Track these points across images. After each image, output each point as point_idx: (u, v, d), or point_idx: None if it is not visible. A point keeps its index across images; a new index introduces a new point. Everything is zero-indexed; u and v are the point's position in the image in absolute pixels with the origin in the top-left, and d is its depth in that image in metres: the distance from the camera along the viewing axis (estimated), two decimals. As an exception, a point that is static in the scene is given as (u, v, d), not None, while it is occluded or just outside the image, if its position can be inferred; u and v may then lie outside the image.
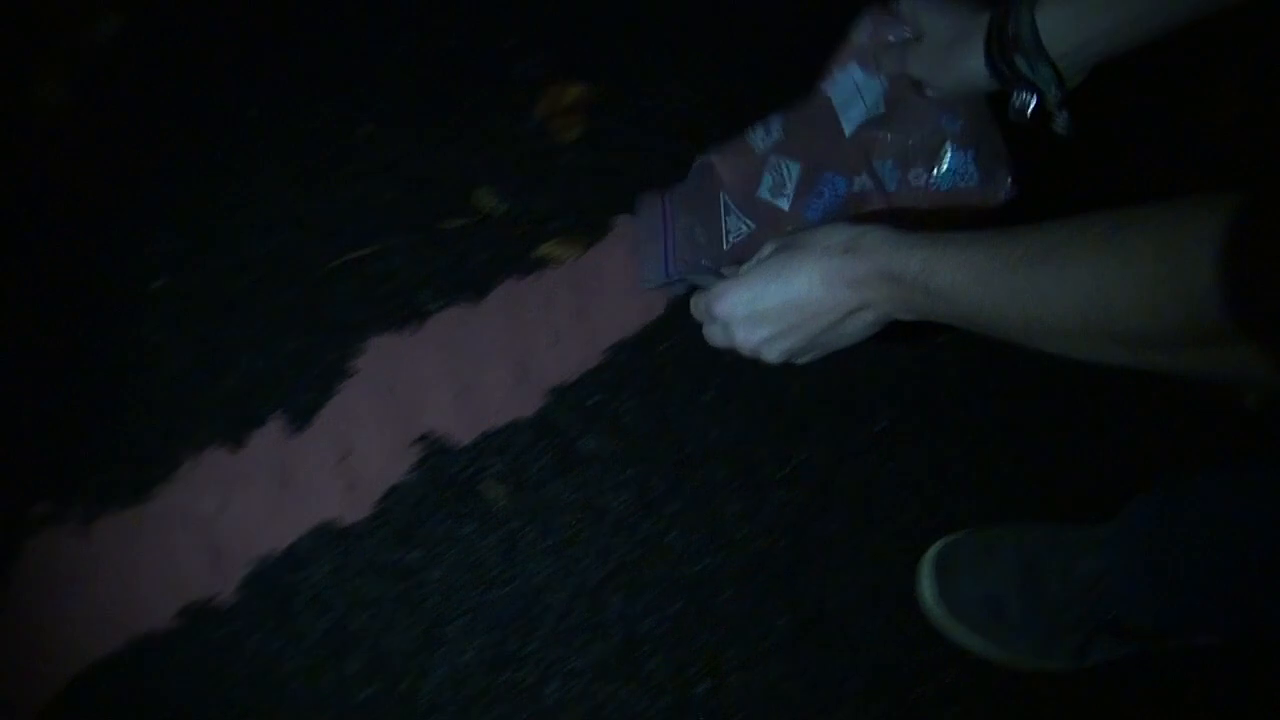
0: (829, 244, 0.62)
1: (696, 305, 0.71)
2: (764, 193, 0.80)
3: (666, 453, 0.98)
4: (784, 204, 0.80)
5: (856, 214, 0.76)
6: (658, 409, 0.99)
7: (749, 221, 0.81)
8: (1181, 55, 1.08)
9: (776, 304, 0.64)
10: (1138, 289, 0.45)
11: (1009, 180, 0.73)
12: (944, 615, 0.92)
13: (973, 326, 0.56)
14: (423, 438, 0.97)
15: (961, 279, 0.54)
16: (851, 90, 0.77)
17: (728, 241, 0.82)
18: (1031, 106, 0.66)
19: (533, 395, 0.99)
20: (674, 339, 1.01)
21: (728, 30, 1.10)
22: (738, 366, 1.00)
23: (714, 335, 0.71)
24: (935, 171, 0.74)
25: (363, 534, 0.95)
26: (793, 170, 0.79)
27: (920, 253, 0.57)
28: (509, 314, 1.00)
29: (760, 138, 0.83)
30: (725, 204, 0.83)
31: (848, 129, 0.77)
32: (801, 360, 0.69)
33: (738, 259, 0.77)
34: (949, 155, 0.73)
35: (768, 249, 0.68)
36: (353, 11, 1.09)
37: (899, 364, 1.01)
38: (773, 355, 0.68)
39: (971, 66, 0.67)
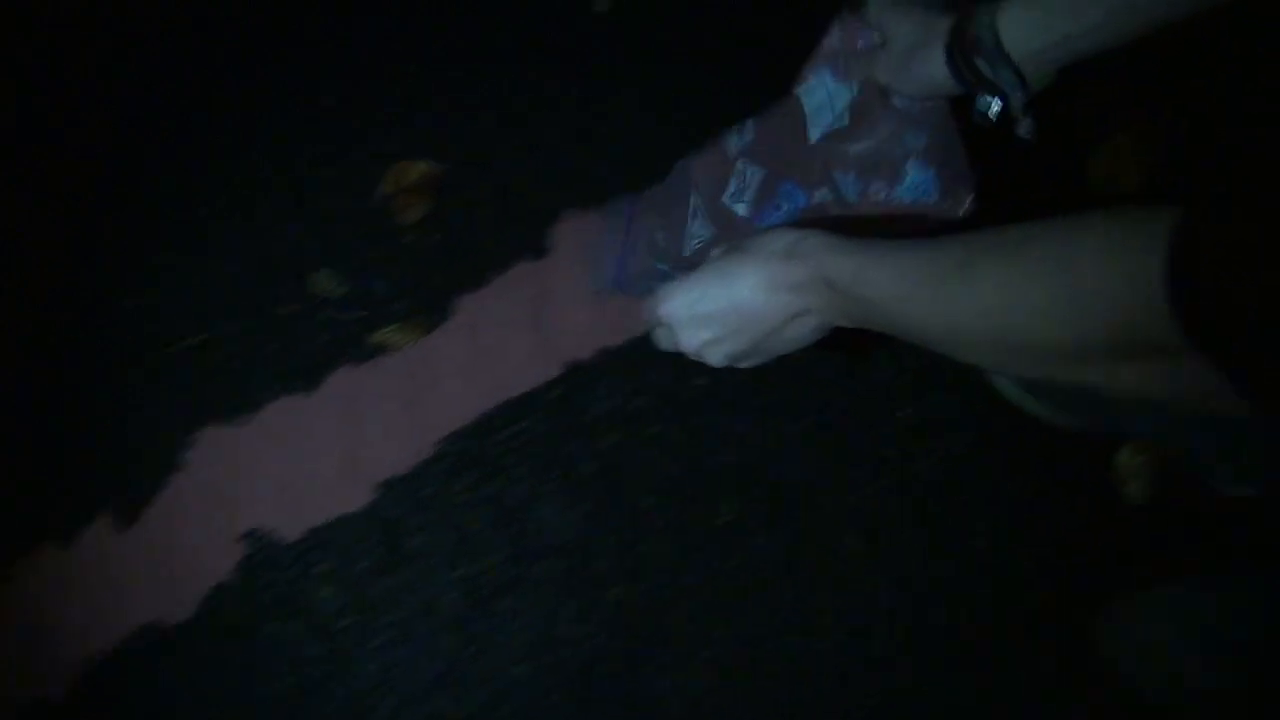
0: (771, 249, 0.63)
1: (646, 309, 0.71)
2: (726, 198, 0.80)
3: (501, 546, 0.95)
4: (742, 210, 0.79)
5: (806, 219, 0.75)
6: (493, 501, 0.96)
7: (711, 227, 0.81)
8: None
9: (718, 307, 0.65)
10: (1037, 304, 0.47)
11: (969, 198, 0.72)
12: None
13: (902, 335, 0.57)
14: (250, 534, 0.95)
15: (890, 287, 0.56)
16: (823, 96, 0.76)
17: (689, 247, 0.82)
18: (995, 110, 0.66)
19: (363, 488, 0.96)
20: (513, 427, 0.97)
21: (581, 103, 1.07)
22: (577, 456, 0.97)
23: (660, 339, 0.72)
24: (896, 186, 0.73)
25: (188, 634, 0.93)
26: (755, 176, 0.79)
27: (854, 259, 0.58)
28: (342, 403, 0.98)
29: (734, 141, 0.82)
30: (694, 208, 0.83)
31: (813, 136, 0.76)
32: (745, 364, 0.69)
33: (695, 265, 0.75)
34: (911, 171, 0.73)
35: (716, 253, 0.69)
36: (196, 87, 1.07)
37: (748, 456, 0.98)
38: (716, 358, 0.68)
39: (934, 70, 0.67)
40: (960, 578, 0.96)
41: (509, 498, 0.96)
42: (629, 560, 0.95)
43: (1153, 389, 0.48)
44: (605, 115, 1.07)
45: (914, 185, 0.73)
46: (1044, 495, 0.98)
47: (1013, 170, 0.75)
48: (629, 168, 1.05)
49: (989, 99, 0.66)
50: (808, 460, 0.98)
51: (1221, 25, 0.56)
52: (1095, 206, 0.47)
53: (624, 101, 1.07)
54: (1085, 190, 1.03)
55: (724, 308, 0.65)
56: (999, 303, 0.49)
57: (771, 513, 0.97)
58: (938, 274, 0.53)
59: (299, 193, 1.03)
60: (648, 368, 0.99)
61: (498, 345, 0.99)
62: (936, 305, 0.53)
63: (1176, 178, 1.03)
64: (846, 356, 1.00)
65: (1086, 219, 0.46)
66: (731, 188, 0.80)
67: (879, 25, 0.72)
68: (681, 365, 0.98)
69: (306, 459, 0.96)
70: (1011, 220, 0.51)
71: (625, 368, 0.99)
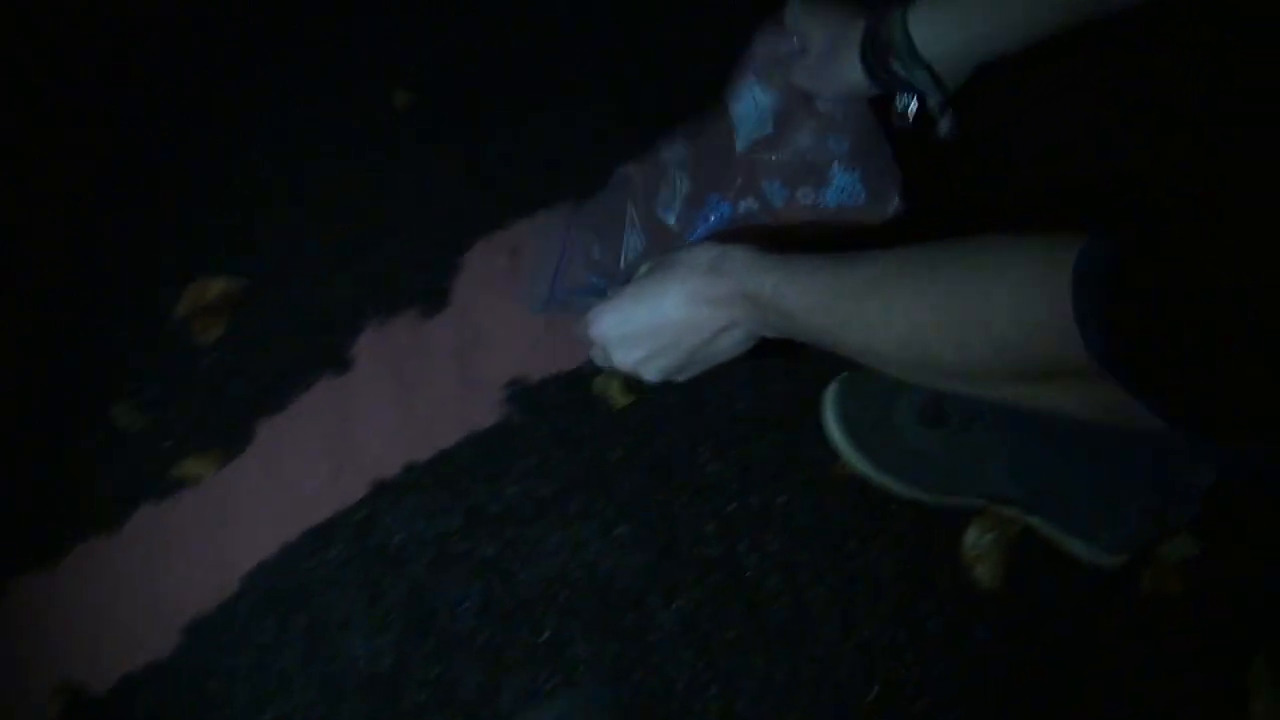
0: (694, 264, 0.64)
1: (579, 329, 0.72)
2: (658, 208, 0.80)
3: (311, 684, 0.91)
4: (670, 219, 0.79)
5: (733, 229, 0.76)
6: (302, 637, 0.92)
7: (644, 238, 0.81)
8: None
9: (646, 325, 0.67)
10: (948, 329, 0.49)
11: (895, 199, 0.72)
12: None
13: (824, 348, 0.59)
14: (61, 688, 0.92)
15: (807, 303, 0.58)
16: (749, 105, 0.77)
17: (624, 260, 0.81)
18: (913, 110, 0.68)
19: (170, 632, 0.93)
20: (319, 556, 0.93)
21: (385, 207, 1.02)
22: (385, 581, 0.93)
23: (596, 357, 0.73)
24: (823, 191, 0.74)
25: (5, 795, 0.91)
26: (683, 185, 0.79)
27: (773, 275, 0.60)
28: (145, 543, 0.94)
29: (667, 150, 0.82)
30: (630, 217, 0.82)
31: (740, 145, 0.76)
32: (681, 377, 0.70)
33: (630, 278, 0.76)
34: (836, 176, 0.73)
35: (644, 269, 0.71)
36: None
37: (569, 566, 0.92)
38: (650, 374, 0.69)
39: (851, 72, 0.67)
40: (793, 681, 0.90)
41: (317, 630, 0.92)
42: (442, 690, 0.90)
43: (1072, 409, 0.49)
44: (404, 215, 1.02)
45: (840, 189, 0.73)
46: (887, 587, 0.91)
47: (938, 169, 0.73)
48: (431, 264, 1.00)
49: (907, 99, 0.67)
50: (632, 564, 0.93)
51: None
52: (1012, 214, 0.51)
53: (425, 196, 1.02)
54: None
55: (652, 325, 0.66)
56: (911, 325, 0.51)
57: (598, 623, 0.92)
58: (853, 292, 0.55)
59: (95, 322, 1.00)
60: (456, 480, 0.94)
61: (300, 470, 0.95)
62: (851, 323, 0.55)
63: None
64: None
65: (995, 243, 0.48)
66: (663, 197, 0.80)
67: (797, 31, 0.73)
68: (491, 474, 0.94)
69: (112, 605, 0.93)
70: (937, 221, 0.53)
71: (433, 482, 0.94)
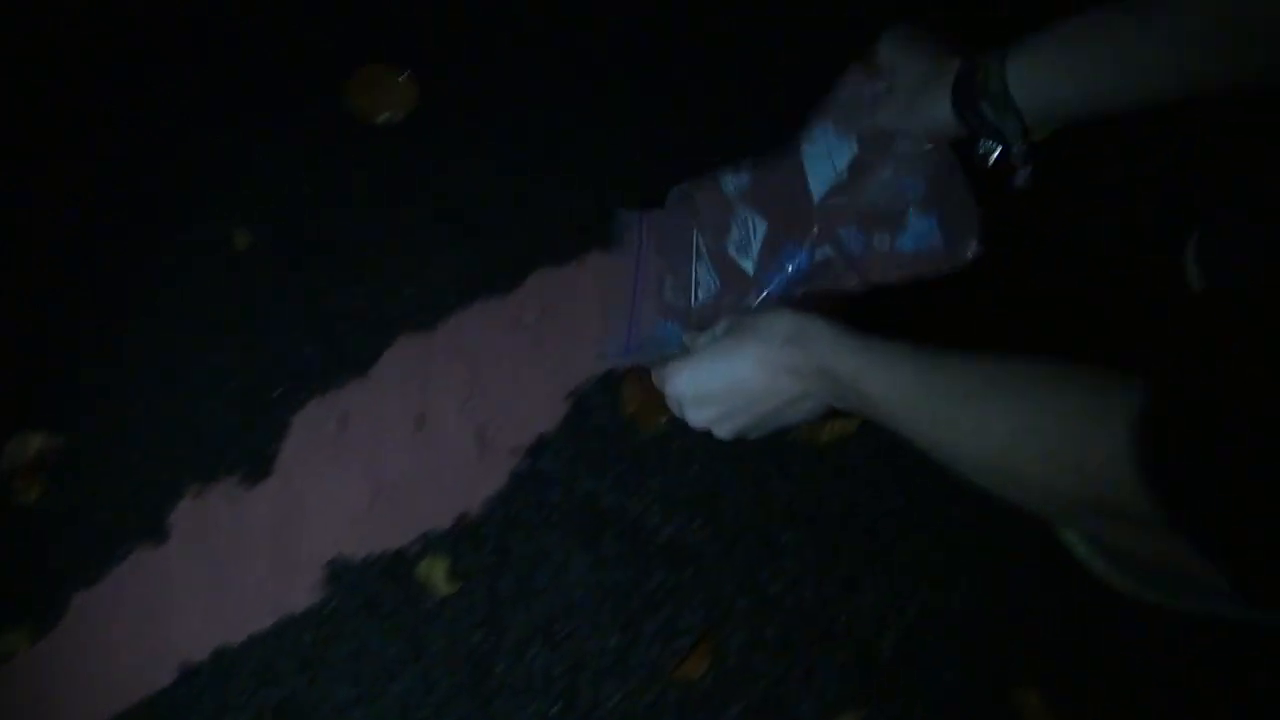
0: (772, 332, 0.66)
1: (656, 381, 0.75)
2: (731, 248, 0.80)
3: None
4: (749, 267, 0.79)
5: (813, 289, 0.77)
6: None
7: (716, 278, 0.81)
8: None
9: (721, 388, 0.69)
10: (1043, 449, 0.48)
11: (974, 243, 0.73)
12: None
13: (899, 434, 0.59)
14: None
15: (888, 394, 0.58)
16: (824, 150, 0.77)
17: (696, 297, 0.82)
18: (995, 155, 0.68)
19: (-26, 817, 0.90)
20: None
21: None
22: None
23: (672, 408, 0.75)
24: (900, 236, 0.74)
25: None
26: (759, 229, 0.79)
27: (854, 359, 0.61)
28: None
29: (730, 181, 0.82)
30: (698, 246, 0.82)
31: (814, 189, 0.76)
32: (753, 436, 0.72)
33: (702, 322, 0.78)
34: (911, 220, 0.73)
35: (721, 327, 0.72)
36: None
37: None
38: (722, 433, 0.72)
39: (939, 111, 0.68)
40: None
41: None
42: None
43: (1139, 549, 0.52)
44: (233, 367, 0.95)
45: (916, 233, 0.73)
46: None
47: (1016, 218, 0.76)
48: (257, 423, 0.94)
49: (990, 144, 0.68)
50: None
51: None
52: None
53: (258, 346, 0.96)
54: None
55: (725, 388, 0.68)
56: (1005, 440, 0.50)
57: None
58: (938, 394, 0.55)
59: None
60: (274, 659, 0.89)
61: (110, 649, 0.90)
62: (935, 423, 0.55)
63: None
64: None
65: (1093, 378, 0.47)
66: (735, 236, 0.79)
67: (889, 63, 0.73)
68: (306, 661, 0.88)
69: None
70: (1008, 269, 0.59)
71: (243, 669, 0.89)
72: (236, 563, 0.91)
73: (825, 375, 0.63)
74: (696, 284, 0.81)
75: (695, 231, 0.82)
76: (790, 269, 0.76)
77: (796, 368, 0.64)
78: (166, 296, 0.98)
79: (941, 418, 0.55)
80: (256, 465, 0.93)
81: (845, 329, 0.63)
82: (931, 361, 0.57)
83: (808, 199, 0.76)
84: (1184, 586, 0.79)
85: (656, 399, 0.78)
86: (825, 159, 0.76)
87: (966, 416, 0.53)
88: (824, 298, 0.75)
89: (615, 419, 0.92)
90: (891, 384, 0.58)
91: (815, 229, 0.75)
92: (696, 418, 0.72)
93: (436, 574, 0.89)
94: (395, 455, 0.92)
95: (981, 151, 0.69)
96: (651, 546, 0.89)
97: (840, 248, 0.75)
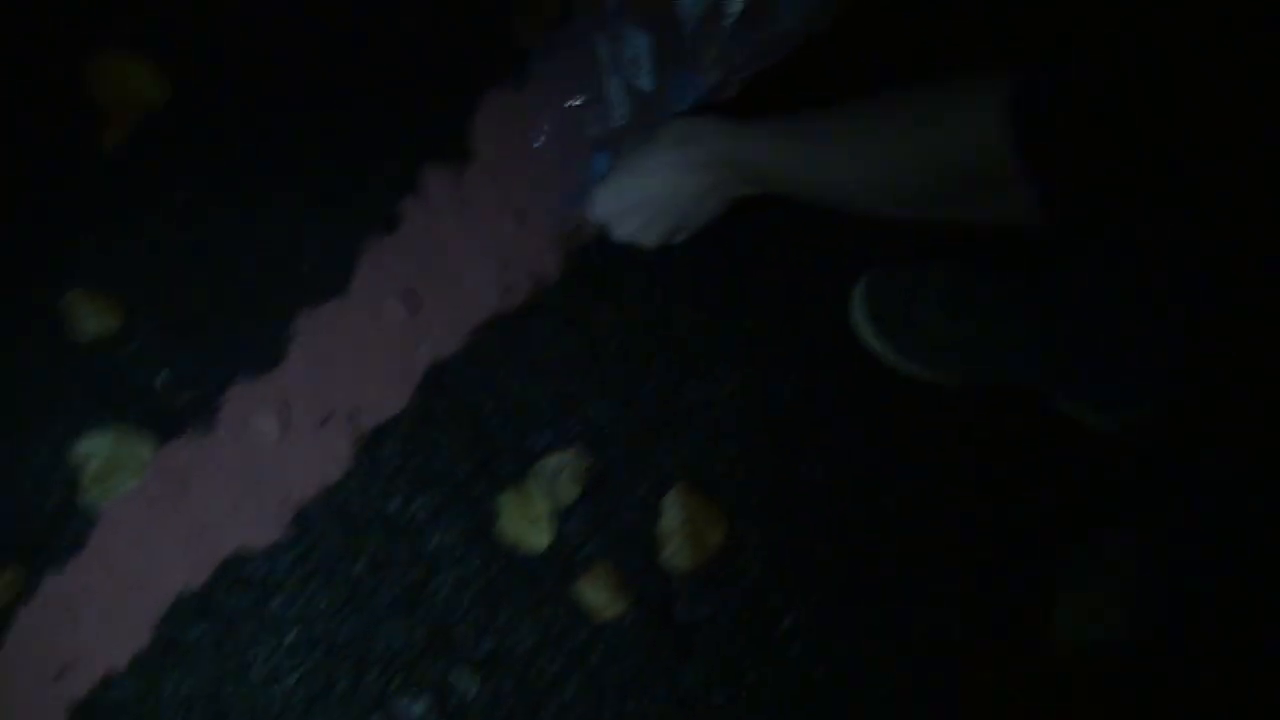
0: (670, 140, 0.75)
1: (584, 214, 0.83)
2: (626, 68, 0.80)
3: None
4: (647, 83, 0.79)
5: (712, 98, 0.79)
6: None
7: (626, 97, 0.81)
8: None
9: (635, 200, 0.79)
10: (903, 155, 0.58)
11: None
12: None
13: (793, 195, 0.69)
14: None
15: (779, 159, 0.68)
16: None
17: (614, 119, 0.82)
18: None
19: None
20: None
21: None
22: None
23: (600, 233, 0.84)
24: (772, 22, 0.74)
25: None
26: (643, 44, 0.78)
27: (745, 142, 0.71)
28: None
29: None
30: (603, 65, 0.82)
31: (684, 20, 0.75)
32: (679, 239, 0.82)
33: (623, 135, 0.82)
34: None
35: (628, 146, 0.80)
36: None
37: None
38: (650, 240, 0.81)
39: None
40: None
41: None
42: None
43: (992, 215, 0.57)
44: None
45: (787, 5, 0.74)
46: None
47: None
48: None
49: None
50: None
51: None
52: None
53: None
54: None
55: (640, 199, 0.78)
56: (871, 157, 0.60)
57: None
58: (823, 140, 0.64)
59: None
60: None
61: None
62: (821, 171, 0.64)
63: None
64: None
65: (941, 86, 0.56)
66: (626, 53, 0.79)
67: None
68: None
69: None
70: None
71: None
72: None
73: (725, 163, 0.72)
74: (611, 105, 0.82)
75: (597, 50, 0.81)
76: (690, 99, 0.78)
77: (697, 164, 0.74)
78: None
79: (828, 157, 0.64)
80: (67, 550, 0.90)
81: (732, 119, 0.72)
82: (813, 119, 0.65)
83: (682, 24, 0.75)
84: (939, 362, 0.92)
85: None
86: None
87: (850, 146, 0.61)
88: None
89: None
90: (780, 149, 0.67)
91: (701, 55, 0.75)
92: (622, 232, 0.81)
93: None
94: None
95: None
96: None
97: (729, 60, 0.74)
